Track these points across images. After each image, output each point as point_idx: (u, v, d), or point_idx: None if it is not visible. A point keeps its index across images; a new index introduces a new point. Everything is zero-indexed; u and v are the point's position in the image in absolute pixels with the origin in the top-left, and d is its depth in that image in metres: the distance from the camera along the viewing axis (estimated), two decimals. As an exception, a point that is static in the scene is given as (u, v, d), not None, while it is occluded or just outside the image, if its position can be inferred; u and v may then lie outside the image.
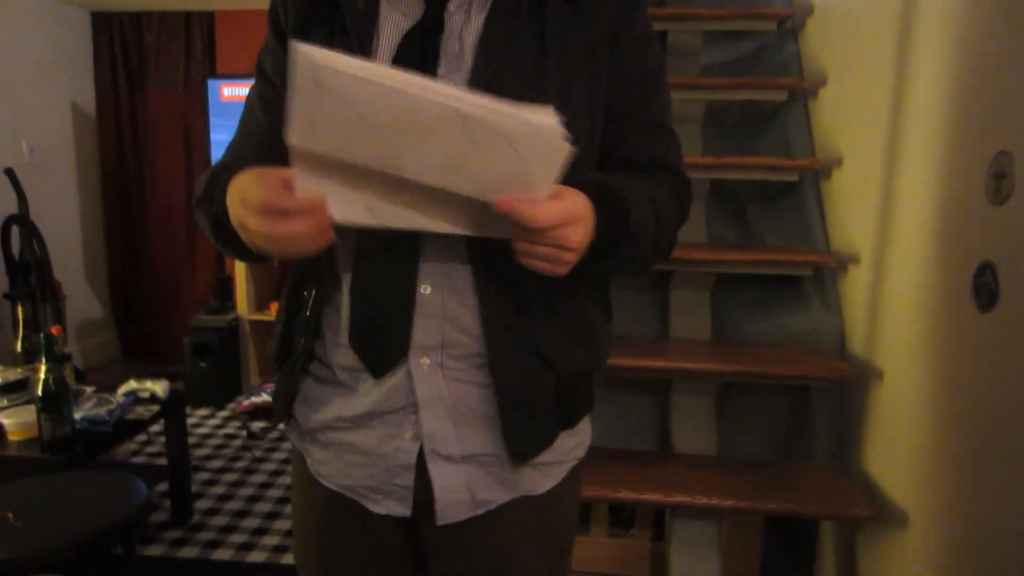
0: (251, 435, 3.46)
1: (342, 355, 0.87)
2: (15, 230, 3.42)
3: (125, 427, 2.30)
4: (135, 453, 3.24)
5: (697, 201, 2.32)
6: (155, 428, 2.99)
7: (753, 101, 2.48)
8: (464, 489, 0.87)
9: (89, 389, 2.44)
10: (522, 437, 0.86)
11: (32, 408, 2.09)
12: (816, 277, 2.23)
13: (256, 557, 2.42)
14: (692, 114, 2.44)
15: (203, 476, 3.02)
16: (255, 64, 0.96)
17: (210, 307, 4.01)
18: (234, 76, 4.16)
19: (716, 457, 2.08)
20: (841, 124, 2.20)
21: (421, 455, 0.86)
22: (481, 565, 0.91)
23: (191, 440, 3.31)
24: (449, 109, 0.61)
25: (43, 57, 4.13)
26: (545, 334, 0.85)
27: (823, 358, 2.01)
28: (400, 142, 0.64)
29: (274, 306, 4.03)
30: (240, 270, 3.98)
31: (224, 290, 4.11)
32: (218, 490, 2.91)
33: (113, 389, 2.47)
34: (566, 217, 0.69)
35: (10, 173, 3.52)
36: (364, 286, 0.83)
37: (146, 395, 2.50)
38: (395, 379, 0.84)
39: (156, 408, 2.45)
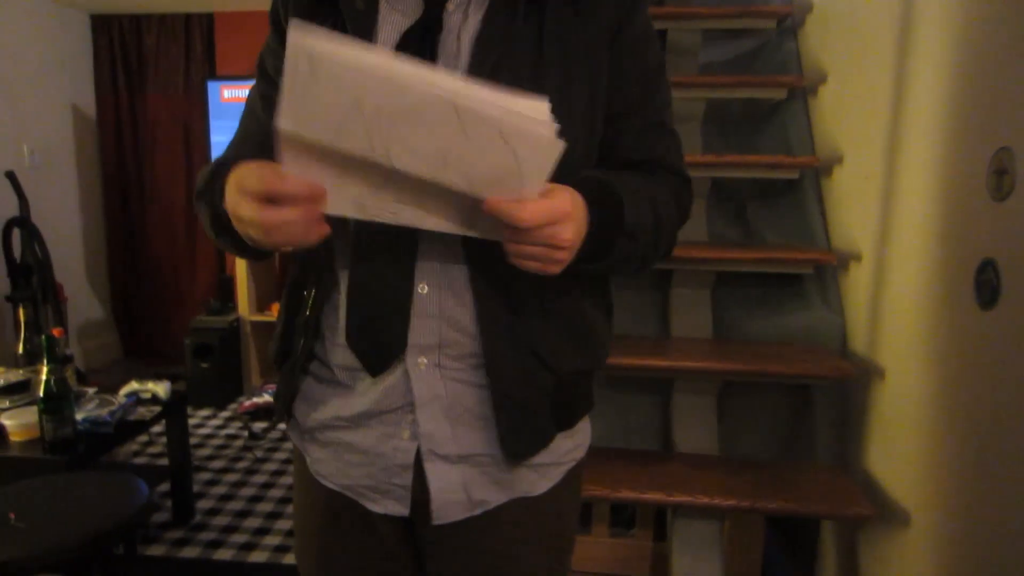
0: (252, 435, 3.47)
1: (340, 354, 0.87)
2: (16, 232, 3.43)
3: (127, 428, 2.31)
4: (137, 454, 3.24)
5: (697, 199, 2.32)
6: (156, 429, 3.00)
7: (753, 99, 2.48)
8: (460, 489, 0.87)
9: (91, 390, 2.45)
10: (518, 438, 0.85)
11: (34, 409, 2.10)
12: (817, 275, 2.23)
13: (258, 557, 2.42)
14: (692, 112, 2.44)
15: (205, 476, 3.02)
16: (256, 64, 0.96)
17: (211, 308, 4.01)
18: (234, 78, 4.16)
19: (717, 456, 2.08)
20: (841, 121, 2.20)
21: (419, 455, 0.86)
22: (479, 566, 0.91)
23: (192, 440, 3.31)
24: (442, 98, 0.61)
25: (43, 59, 4.14)
26: (542, 334, 0.84)
27: (824, 357, 2.00)
28: (392, 130, 0.63)
29: (275, 307, 4.03)
30: (241, 271, 3.98)
31: (225, 291, 4.11)
32: (219, 490, 2.91)
33: (114, 390, 2.47)
34: (555, 215, 0.68)
35: (11, 176, 3.53)
36: (362, 285, 0.83)
37: (147, 396, 2.50)
38: (392, 378, 0.84)
39: (157, 409, 2.45)
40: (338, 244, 0.85)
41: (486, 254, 0.72)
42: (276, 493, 2.89)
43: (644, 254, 0.84)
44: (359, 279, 0.83)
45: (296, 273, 0.93)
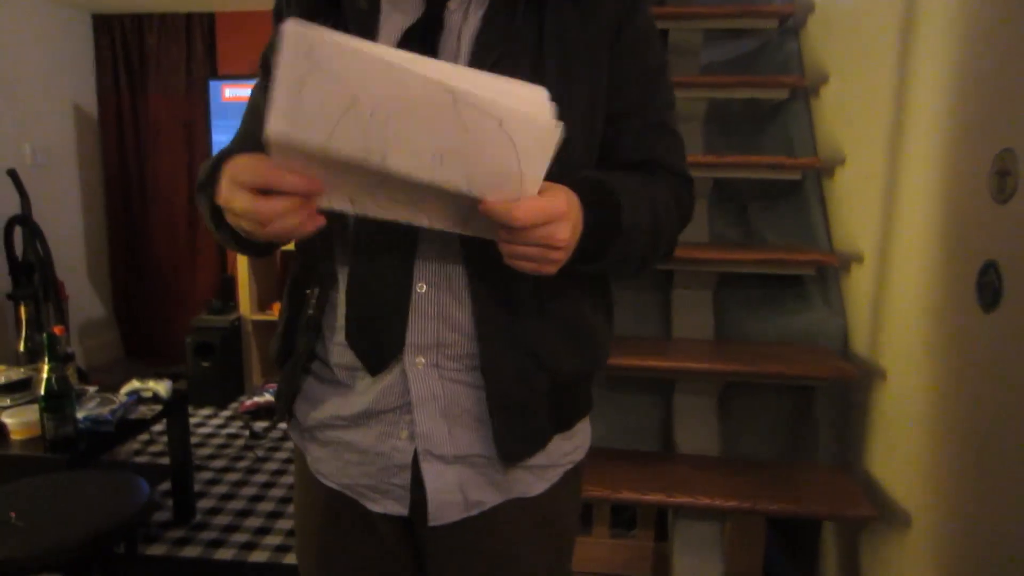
0: (253, 435, 3.47)
1: (339, 353, 0.87)
2: (18, 231, 3.43)
3: (128, 427, 2.31)
4: (138, 453, 3.24)
5: (699, 200, 2.33)
6: (158, 428, 3.00)
7: (755, 99, 2.48)
8: (457, 490, 0.86)
9: (92, 389, 2.45)
10: (514, 439, 0.85)
11: (35, 408, 2.10)
12: (819, 276, 2.22)
13: (258, 557, 2.42)
14: (693, 113, 2.44)
15: (206, 475, 3.03)
16: (259, 63, 0.96)
17: (212, 307, 4.01)
18: (235, 77, 4.16)
19: (718, 457, 2.08)
20: (843, 122, 2.20)
21: (417, 455, 0.86)
22: (478, 566, 0.91)
23: (193, 440, 3.31)
24: (442, 88, 0.59)
25: (45, 59, 4.15)
26: (540, 335, 0.84)
27: (826, 358, 2.00)
28: (389, 129, 0.61)
29: (276, 306, 4.03)
30: (242, 270, 3.98)
31: (226, 290, 4.11)
32: (220, 489, 2.91)
33: (116, 389, 2.48)
34: (550, 215, 0.67)
35: (13, 174, 3.53)
36: (361, 284, 0.83)
37: (148, 395, 2.50)
38: (390, 378, 0.84)
39: (159, 408, 2.45)
40: (338, 243, 0.85)
41: (485, 254, 0.72)
42: (277, 493, 2.89)
43: (642, 255, 0.83)
44: (358, 278, 0.83)
45: (297, 272, 0.93)
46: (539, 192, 0.67)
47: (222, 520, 2.67)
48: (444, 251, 0.81)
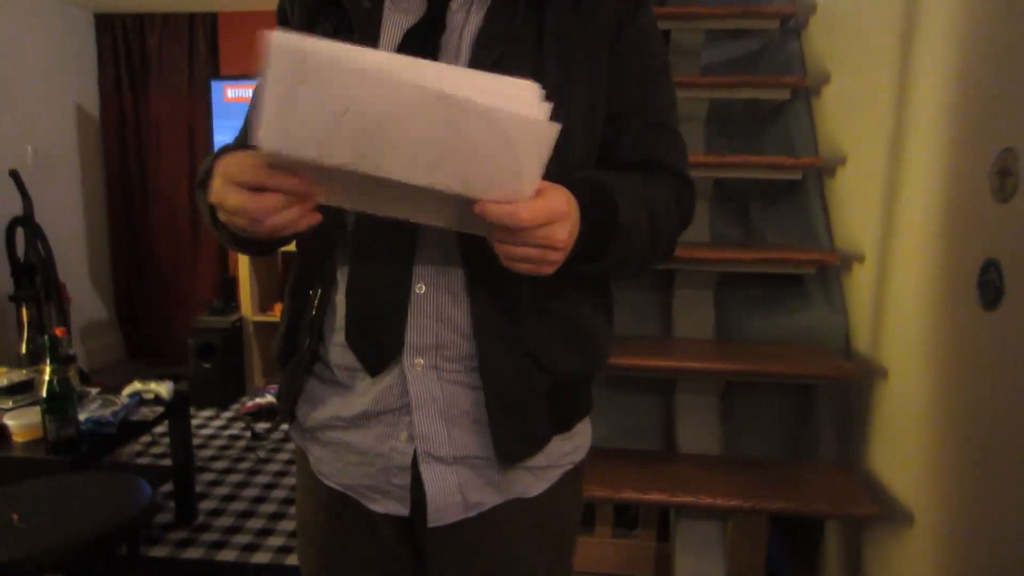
0: (255, 436, 3.47)
1: (339, 354, 0.87)
2: (20, 232, 3.43)
3: (129, 428, 2.31)
4: (139, 454, 3.24)
5: (700, 200, 2.32)
6: (159, 429, 3.00)
7: (756, 100, 2.48)
8: (456, 491, 0.86)
9: (94, 390, 2.45)
10: (512, 439, 0.85)
11: (37, 409, 2.10)
12: (820, 275, 2.22)
13: (261, 558, 2.43)
14: (695, 113, 2.43)
15: (207, 477, 3.03)
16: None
17: (214, 308, 4.02)
18: (237, 77, 4.17)
19: (720, 457, 2.08)
20: (844, 122, 2.20)
21: (416, 456, 0.86)
22: (478, 567, 0.91)
23: (195, 441, 3.31)
24: (432, 95, 0.59)
25: (47, 59, 4.15)
26: (538, 336, 0.84)
27: (827, 357, 2.00)
28: (381, 138, 0.61)
29: (278, 307, 4.04)
30: (244, 271, 3.99)
31: (228, 291, 4.12)
32: (222, 491, 2.91)
33: (117, 390, 2.48)
34: (550, 215, 0.67)
35: (15, 175, 3.53)
36: (360, 285, 0.83)
37: (150, 396, 2.50)
38: (390, 379, 0.84)
39: (160, 409, 2.45)
40: (337, 244, 0.85)
41: (483, 255, 0.71)
42: (279, 494, 2.89)
43: (641, 256, 0.82)
44: (357, 279, 0.83)
45: (298, 273, 0.93)
46: (537, 192, 0.66)
47: (224, 521, 2.67)
48: (443, 252, 0.81)
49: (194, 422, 3.57)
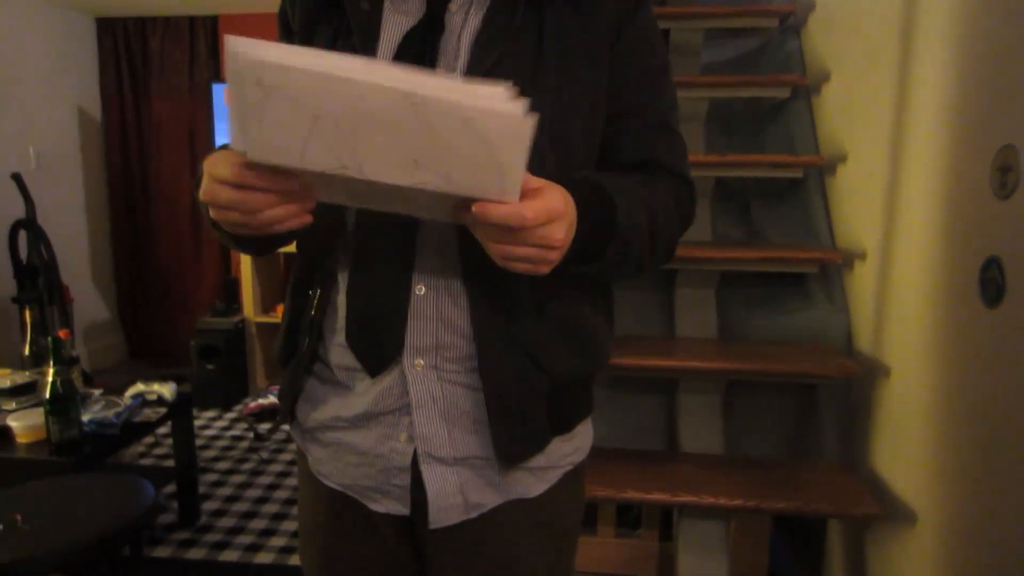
0: (258, 437, 3.47)
1: (340, 354, 0.87)
2: (23, 234, 3.44)
3: (132, 429, 2.31)
4: (142, 455, 3.25)
5: (701, 199, 2.32)
6: (162, 430, 3.01)
7: (756, 98, 2.48)
8: (457, 492, 0.86)
9: (96, 392, 2.45)
10: (512, 440, 0.85)
11: (40, 411, 2.11)
12: (822, 274, 2.22)
13: (263, 558, 2.43)
14: (695, 112, 2.43)
15: (210, 478, 3.03)
16: (278, 20, 0.96)
17: (216, 309, 4.02)
18: (238, 79, 4.16)
19: (723, 456, 2.08)
20: (845, 120, 2.19)
21: (416, 456, 0.86)
22: (478, 567, 0.90)
23: (198, 442, 3.32)
24: (398, 92, 0.58)
25: (48, 62, 4.16)
26: (538, 336, 0.84)
27: (830, 356, 2.00)
28: (357, 141, 0.60)
29: (280, 308, 4.03)
30: (247, 272, 3.99)
31: (230, 292, 4.12)
32: (225, 491, 2.92)
33: (120, 392, 2.48)
34: (549, 214, 0.66)
35: (17, 178, 3.54)
36: (361, 286, 0.83)
37: (153, 397, 2.51)
38: (390, 380, 0.84)
39: (163, 410, 2.46)
40: (338, 244, 0.85)
41: (483, 256, 0.71)
42: (282, 494, 2.90)
43: (639, 257, 0.82)
44: (358, 280, 0.83)
45: (299, 273, 0.93)
46: (535, 191, 0.66)
47: (227, 522, 2.67)
48: (443, 253, 0.81)
49: (197, 423, 3.57)
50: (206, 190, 0.68)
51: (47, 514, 1.63)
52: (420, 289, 0.81)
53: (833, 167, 2.25)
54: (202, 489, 2.87)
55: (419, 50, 0.81)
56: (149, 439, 3.35)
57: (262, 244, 0.84)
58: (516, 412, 0.84)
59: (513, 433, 0.85)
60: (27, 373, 2.48)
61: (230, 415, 3.80)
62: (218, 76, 4.44)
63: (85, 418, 2.16)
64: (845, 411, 2.11)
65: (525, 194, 0.65)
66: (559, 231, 0.67)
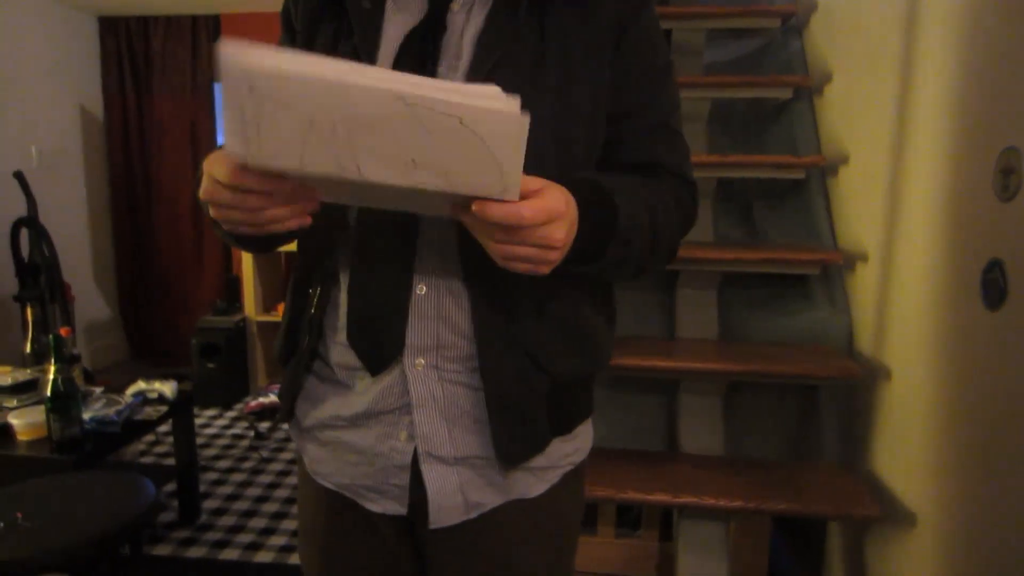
0: (258, 435, 3.48)
1: (341, 353, 0.87)
2: (24, 232, 3.44)
3: (133, 427, 2.32)
4: (143, 453, 3.25)
5: (703, 200, 2.32)
6: (163, 428, 3.02)
7: (758, 99, 2.48)
8: (457, 491, 0.86)
9: (98, 390, 2.46)
10: (512, 440, 0.85)
11: (41, 409, 2.11)
12: (823, 275, 2.22)
13: (263, 557, 2.43)
14: (697, 112, 2.43)
15: (211, 476, 3.03)
16: (280, 19, 0.96)
17: (217, 308, 4.02)
18: (240, 78, 4.17)
19: (723, 457, 2.08)
20: (847, 121, 2.19)
21: (416, 456, 0.86)
22: (478, 567, 0.90)
23: (199, 440, 3.32)
24: (391, 95, 0.58)
25: (51, 61, 4.16)
26: (538, 336, 0.84)
27: (831, 357, 2.00)
28: (354, 143, 0.60)
29: (281, 307, 4.04)
30: (248, 271, 3.99)
31: (232, 291, 4.13)
32: (226, 490, 2.92)
33: (121, 390, 2.49)
34: (549, 214, 0.66)
35: (19, 176, 3.54)
36: (362, 285, 0.83)
37: (154, 396, 2.51)
38: (390, 379, 0.84)
39: (164, 409, 2.46)
40: (339, 243, 0.85)
41: (484, 256, 0.71)
42: (282, 493, 2.90)
43: (640, 258, 0.82)
44: (359, 278, 0.83)
45: (300, 272, 0.93)
46: (536, 191, 0.66)
47: (227, 521, 2.67)
48: (443, 253, 0.81)
49: (197, 421, 3.57)
50: (206, 189, 0.68)
51: (48, 512, 1.63)
52: (421, 289, 0.81)
53: (835, 168, 2.25)
54: (203, 488, 2.88)
55: (421, 49, 0.81)
56: (150, 437, 3.35)
57: (263, 242, 0.84)
58: (516, 412, 0.84)
59: (513, 433, 0.85)
60: (28, 371, 2.48)
61: (231, 414, 3.80)
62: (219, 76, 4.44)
63: (86, 416, 2.16)
64: (846, 412, 2.10)
65: (525, 195, 0.64)
66: (559, 231, 0.67)
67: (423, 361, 0.83)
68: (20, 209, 3.55)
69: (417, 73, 0.74)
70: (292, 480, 3.01)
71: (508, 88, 0.61)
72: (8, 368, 2.53)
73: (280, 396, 0.97)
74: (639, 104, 0.87)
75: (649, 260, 0.84)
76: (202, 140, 4.55)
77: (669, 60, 0.91)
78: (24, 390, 2.37)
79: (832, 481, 1.91)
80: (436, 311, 0.82)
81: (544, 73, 0.80)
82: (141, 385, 2.52)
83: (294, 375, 0.93)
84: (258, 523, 2.65)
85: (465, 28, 0.82)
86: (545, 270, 0.70)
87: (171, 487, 2.72)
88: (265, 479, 3.02)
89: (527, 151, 0.61)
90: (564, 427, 0.91)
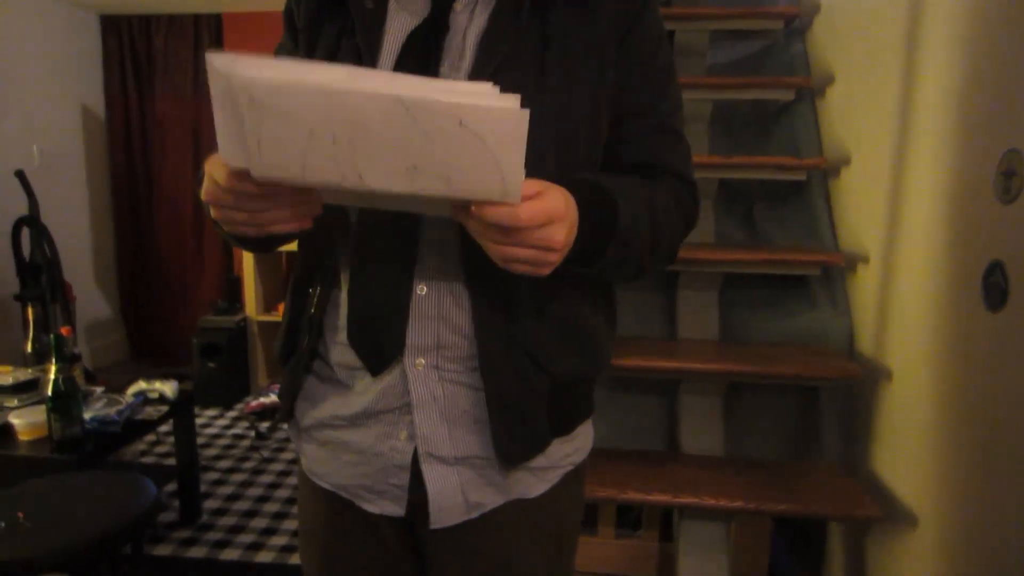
0: (259, 435, 3.48)
1: (341, 353, 0.88)
2: (26, 232, 3.44)
3: (134, 427, 2.32)
4: (144, 453, 3.25)
5: (704, 201, 2.32)
6: (164, 428, 3.02)
7: (760, 100, 2.47)
8: (458, 491, 0.86)
9: (98, 389, 2.46)
10: (512, 440, 0.85)
11: (42, 408, 2.11)
12: (824, 277, 2.22)
13: (264, 557, 2.43)
14: (699, 114, 2.43)
15: (212, 476, 3.03)
16: (283, 18, 0.96)
17: (218, 308, 4.02)
18: (242, 78, 4.16)
19: (724, 458, 2.08)
20: (849, 123, 2.19)
21: (416, 456, 0.86)
22: (478, 567, 0.91)
23: (199, 440, 3.33)
24: (389, 100, 0.58)
25: (52, 60, 4.17)
26: (538, 336, 0.84)
27: (831, 358, 2.00)
28: (355, 150, 0.60)
29: (282, 307, 4.04)
30: (249, 271, 3.99)
31: (232, 291, 4.13)
32: (226, 490, 2.92)
33: (122, 389, 2.49)
34: (549, 216, 0.66)
35: (21, 175, 3.54)
36: (362, 285, 0.83)
37: (155, 395, 2.51)
38: (390, 379, 0.84)
39: (165, 408, 2.46)
40: (340, 243, 0.85)
41: (484, 257, 0.71)
42: (283, 493, 2.90)
43: (640, 259, 0.82)
44: (360, 278, 0.84)
45: (301, 271, 0.93)
46: (535, 193, 0.66)
47: (228, 520, 2.67)
48: (444, 253, 0.81)
49: (198, 421, 3.57)
50: (207, 191, 0.68)
51: (48, 512, 1.63)
52: (421, 289, 0.82)
53: (837, 170, 2.25)
54: (203, 488, 2.88)
55: (423, 49, 0.81)
56: (151, 437, 3.35)
57: (264, 242, 0.85)
58: (516, 412, 0.84)
59: (513, 433, 0.85)
60: (29, 370, 2.48)
61: (231, 414, 3.80)
62: (222, 75, 4.44)
63: (87, 416, 2.16)
64: (846, 413, 2.10)
65: (525, 197, 0.64)
66: (559, 233, 0.67)
67: (423, 361, 0.83)
68: (21, 208, 3.55)
69: (420, 73, 0.74)
70: (293, 480, 3.01)
71: (511, 88, 0.60)
72: (9, 368, 2.53)
73: (280, 396, 0.97)
74: (641, 105, 0.87)
75: (649, 261, 0.84)
76: (204, 140, 4.55)
77: (671, 61, 0.91)
78: (25, 390, 2.37)
79: (832, 482, 1.91)
80: (437, 311, 0.82)
81: (547, 74, 0.80)
82: (142, 385, 2.52)
83: (294, 375, 0.93)
84: (259, 523, 2.65)
85: (468, 28, 0.82)
86: (545, 272, 0.70)
87: (172, 487, 2.72)
88: (266, 479, 3.02)
89: (528, 151, 0.60)
90: (564, 427, 0.91)
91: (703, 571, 1.93)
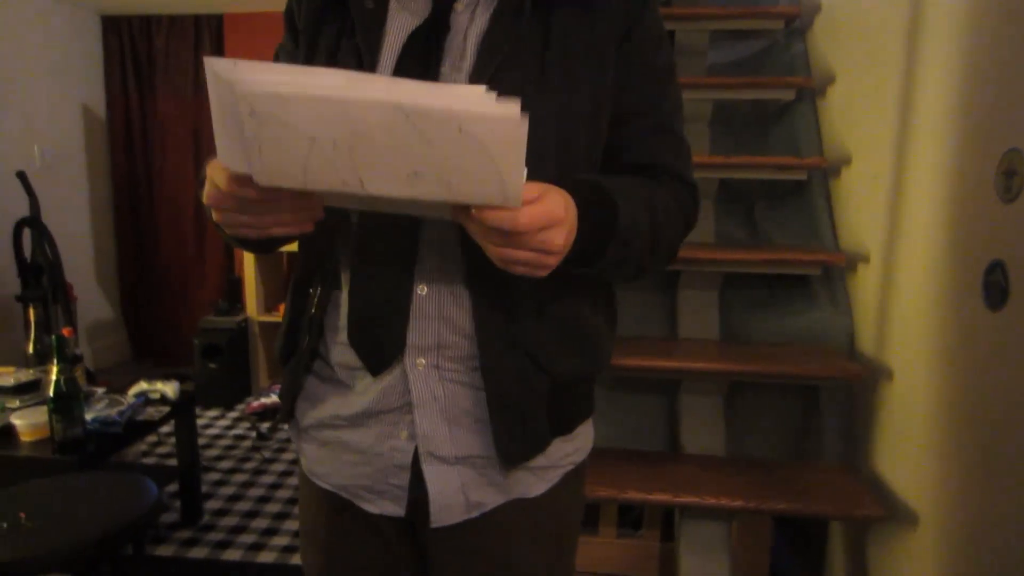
0: (260, 436, 3.48)
1: (341, 352, 0.88)
2: (27, 232, 3.45)
3: (136, 428, 2.32)
4: (145, 454, 3.26)
5: (705, 200, 2.33)
6: (165, 429, 3.01)
7: (761, 100, 2.47)
8: (458, 491, 0.86)
9: (100, 390, 2.46)
10: (512, 440, 0.85)
11: (44, 409, 2.11)
12: (825, 276, 2.22)
13: (266, 557, 2.43)
14: (700, 113, 2.44)
15: (213, 477, 3.04)
16: (284, 18, 0.96)
17: (219, 308, 4.03)
18: (243, 79, 4.17)
19: (725, 457, 2.08)
20: (850, 122, 2.19)
21: (417, 456, 0.86)
22: (479, 567, 0.91)
23: (201, 441, 3.33)
24: (389, 107, 0.58)
25: (54, 60, 4.17)
26: (538, 336, 0.84)
27: (832, 358, 2.00)
28: (356, 156, 0.60)
29: (283, 307, 4.04)
30: (249, 271, 4.00)
31: (233, 291, 4.13)
32: (228, 491, 2.92)
33: (124, 390, 2.49)
34: (548, 219, 0.66)
35: (22, 176, 3.55)
36: (363, 285, 0.84)
37: (156, 396, 2.51)
38: (391, 378, 0.85)
39: (166, 409, 2.46)
40: (340, 243, 0.85)
41: (484, 257, 0.71)
42: (284, 494, 2.90)
43: (639, 258, 0.82)
44: (360, 278, 0.84)
45: (301, 271, 0.93)
46: (536, 196, 0.66)
47: (229, 521, 2.68)
48: (444, 254, 0.81)
49: (200, 422, 3.58)
50: (208, 194, 0.69)
51: (50, 512, 1.63)
52: (422, 289, 0.82)
53: (837, 169, 2.25)
54: (204, 488, 2.88)
55: (424, 50, 0.81)
56: (152, 438, 3.35)
57: (265, 244, 0.85)
58: (517, 412, 0.84)
59: (514, 433, 0.85)
60: (31, 371, 2.48)
61: (233, 414, 3.80)
62: (222, 75, 4.44)
63: (88, 416, 2.16)
64: (847, 413, 2.10)
65: (525, 201, 0.64)
66: (558, 236, 0.67)
67: (424, 361, 0.83)
68: (23, 209, 3.55)
69: (420, 73, 0.74)
70: (294, 480, 3.01)
71: (511, 89, 0.61)
72: (11, 368, 2.53)
73: (280, 396, 0.98)
74: (641, 105, 0.87)
75: (649, 261, 0.84)
76: (205, 140, 4.55)
77: (672, 61, 0.91)
78: (26, 391, 2.37)
79: (833, 481, 1.91)
80: (437, 311, 0.82)
81: (548, 74, 0.80)
82: (143, 385, 2.52)
83: (294, 375, 0.93)
84: (260, 523, 2.66)
85: (469, 29, 0.82)
86: (542, 273, 0.70)
87: (173, 487, 2.72)
88: (267, 479, 3.02)
89: (528, 151, 0.60)
90: (565, 427, 0.91)
91: (704, 571, 1.93)
